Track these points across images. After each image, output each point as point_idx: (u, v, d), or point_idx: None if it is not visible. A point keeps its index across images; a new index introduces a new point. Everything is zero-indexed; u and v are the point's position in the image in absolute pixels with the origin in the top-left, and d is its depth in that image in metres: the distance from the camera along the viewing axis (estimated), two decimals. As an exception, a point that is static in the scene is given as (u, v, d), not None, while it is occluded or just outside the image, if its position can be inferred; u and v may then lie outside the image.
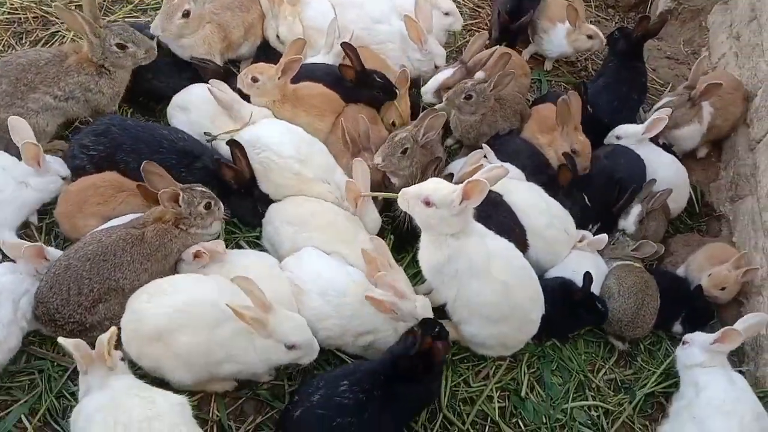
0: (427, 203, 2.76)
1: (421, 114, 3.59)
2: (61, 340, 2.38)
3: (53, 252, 2.92)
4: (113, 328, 2.42)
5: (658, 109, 4.16)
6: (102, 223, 3.05)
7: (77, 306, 2.76)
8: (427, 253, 2.95)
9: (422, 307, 2.88)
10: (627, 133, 4.02)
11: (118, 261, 2.82)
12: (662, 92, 4.85)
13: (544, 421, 3.04)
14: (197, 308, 2.68)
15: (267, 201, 3.43)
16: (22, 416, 2.67)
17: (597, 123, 4.05)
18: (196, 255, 2.97)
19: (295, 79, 3.64)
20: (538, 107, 4.13)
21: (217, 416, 2.79)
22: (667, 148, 4.29)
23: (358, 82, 3.76)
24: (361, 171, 3.31)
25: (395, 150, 3.46)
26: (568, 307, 3.30)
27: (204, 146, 3.45)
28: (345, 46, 3.69)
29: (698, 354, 3.14)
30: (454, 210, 2.74)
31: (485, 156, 3.61)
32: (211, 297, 2.71)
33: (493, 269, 2.89)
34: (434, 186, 2.80)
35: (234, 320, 2.61)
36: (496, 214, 3.33)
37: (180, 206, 2.96)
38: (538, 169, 3.75)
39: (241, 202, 3.41)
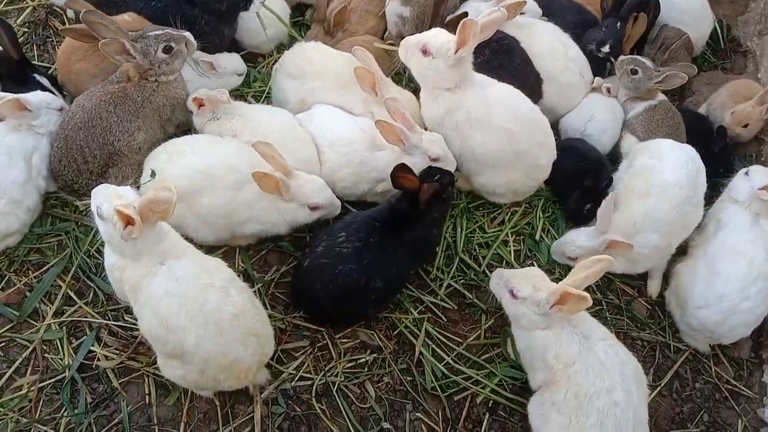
0: (425, 52, 2.75)
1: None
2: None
3: (32, 99, 2.75)
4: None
5: None
6: (88, 82, 2.92)
7: (89, 174, 2.78)
8: (426, 108, 2.96)
9: (428, 141, 2.84)
10: None
11: (105, 124, 2.74)
12: None
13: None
14: (218, 170, 2.67)
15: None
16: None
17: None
18: (199, 104, 2.89)
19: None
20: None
21: (243, 267, 2.89)
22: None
23: None
24: (363, 55, 3.00)
25: None
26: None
27: None
28: None
29: (745, 193, 2.98)
30: (449, 60, 2.71)
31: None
32: (229, 159, 2.71)
33: (494, 117, 2.85)
34: (433, 34, 2.77)
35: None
36: (509, 62, 3.21)
37: (134, 58, 2.74)
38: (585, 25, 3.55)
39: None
